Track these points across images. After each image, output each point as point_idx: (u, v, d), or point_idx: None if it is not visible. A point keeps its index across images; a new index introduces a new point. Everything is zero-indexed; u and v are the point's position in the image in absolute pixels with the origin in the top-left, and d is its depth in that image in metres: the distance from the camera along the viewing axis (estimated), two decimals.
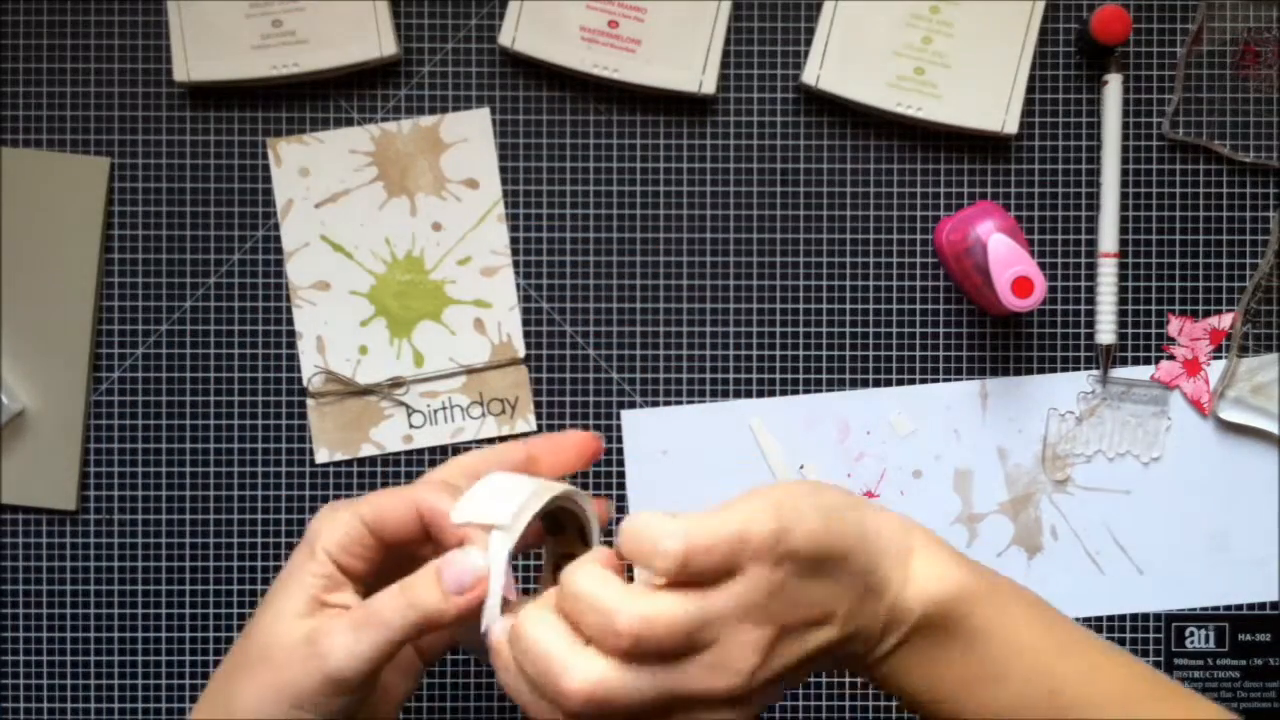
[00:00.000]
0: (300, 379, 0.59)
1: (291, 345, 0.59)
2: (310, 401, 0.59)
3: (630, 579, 0.39)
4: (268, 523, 0.59)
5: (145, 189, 0.59)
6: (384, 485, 0.60)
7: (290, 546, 0.59)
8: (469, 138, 0.59)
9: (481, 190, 0.59)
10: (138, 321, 0.59)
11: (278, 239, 0.59)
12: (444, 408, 0.59)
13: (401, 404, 0.59)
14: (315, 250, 0.59)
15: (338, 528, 0.43)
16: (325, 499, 0.59)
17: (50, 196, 0.58)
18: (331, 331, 0.59)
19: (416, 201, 0.59)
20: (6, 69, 0.59)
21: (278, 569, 0.59)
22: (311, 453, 0.59)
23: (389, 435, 0.59)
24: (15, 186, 0.58)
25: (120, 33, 0.59)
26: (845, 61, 0.58)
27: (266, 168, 0.59)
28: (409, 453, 0.59)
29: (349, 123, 0.59)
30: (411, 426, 0.59)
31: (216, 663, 0.59)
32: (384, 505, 0.43)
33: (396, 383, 0.59)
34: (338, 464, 0.59)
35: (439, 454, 0.59)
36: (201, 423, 0.59)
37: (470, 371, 0.59)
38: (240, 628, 0.59)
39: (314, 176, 0.59)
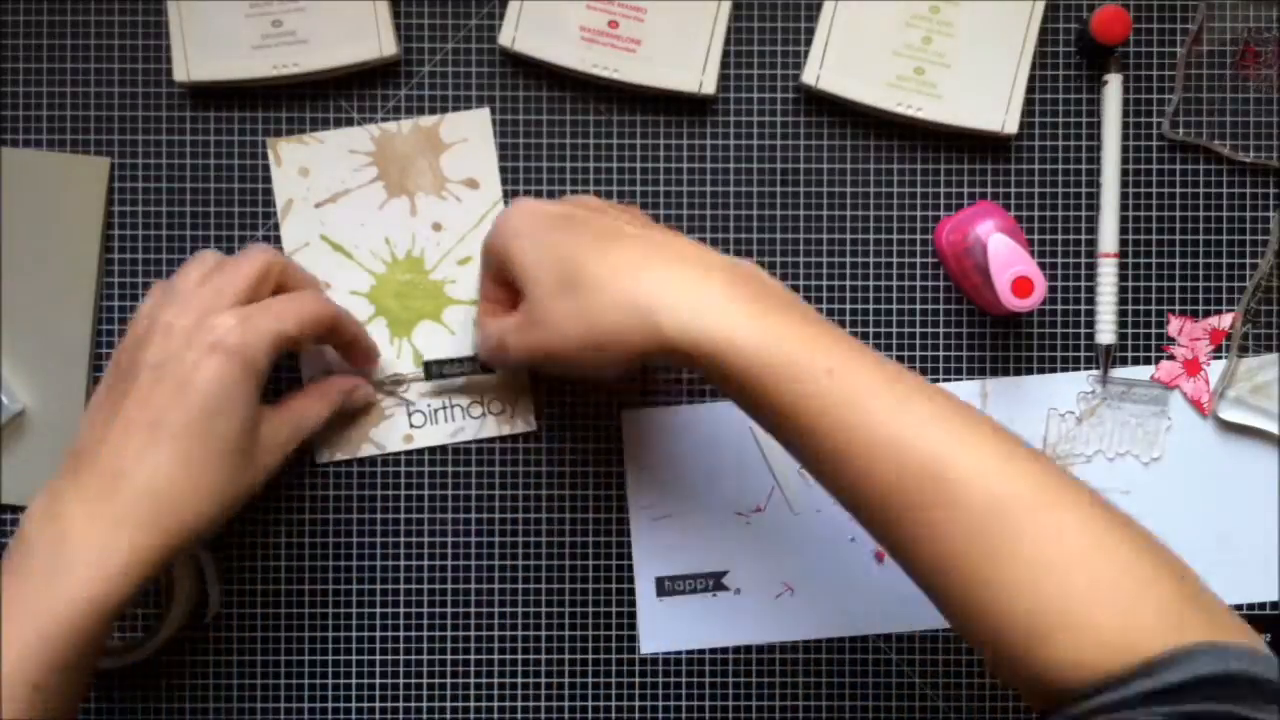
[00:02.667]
0: (301, 379, 0.59)
1: None
2: None
3: None
4: (267, 522, 0.59)
5: (145, 189, 0.59)
6: (385, 485, 0.60)
7: (291, 545, 0.60)
8: (469, 138, 0.59)
9: (482, 190, 0.59)
10: None
11: (278, 239, 0.59)
12: (444, 407, 0.59)
13: (402, 402, 0.59)
14: (315, 250, 0.59)
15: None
16: (325, 498, 0.59)
17: (50, 196, 0.58)
18: None
19: (416, 201, 0.59)
20: (6, 69, 0.59)
21: (276, 567, 0.59)
22: (312, 452, 0.59)
23: (389, 435, 0.59)
24: (15, 186, 0.58)
25: (120, 33, 0.59)
26: (845, 61, 0.58)
27: (266, 168, 0.59)
28: (409, 452, 0.59)
29: (349, 123, 0.59)
30: (412, 426, 0.59)
31: (215, 662, 0.59)
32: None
33: (398, 380, 0.59)
34: (338, 464, 0.59)
35: (439, 454, 0.59)
36: None
37: (470, 369, 0.59)
38: (237, 626, 0.59)
39: (314, 176, 0.59)
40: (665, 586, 0.60)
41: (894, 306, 0.60)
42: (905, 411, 0.44)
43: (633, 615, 0.60)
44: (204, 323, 0.48)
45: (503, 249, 0.50)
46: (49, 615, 0.45)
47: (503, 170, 0.59)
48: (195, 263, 0.52)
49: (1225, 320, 0.60)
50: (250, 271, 0.51)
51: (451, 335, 0.59)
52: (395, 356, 0.59)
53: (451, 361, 0.58)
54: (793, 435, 0.46)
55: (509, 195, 0.59)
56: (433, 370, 0.58)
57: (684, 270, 0.47)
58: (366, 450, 0.59)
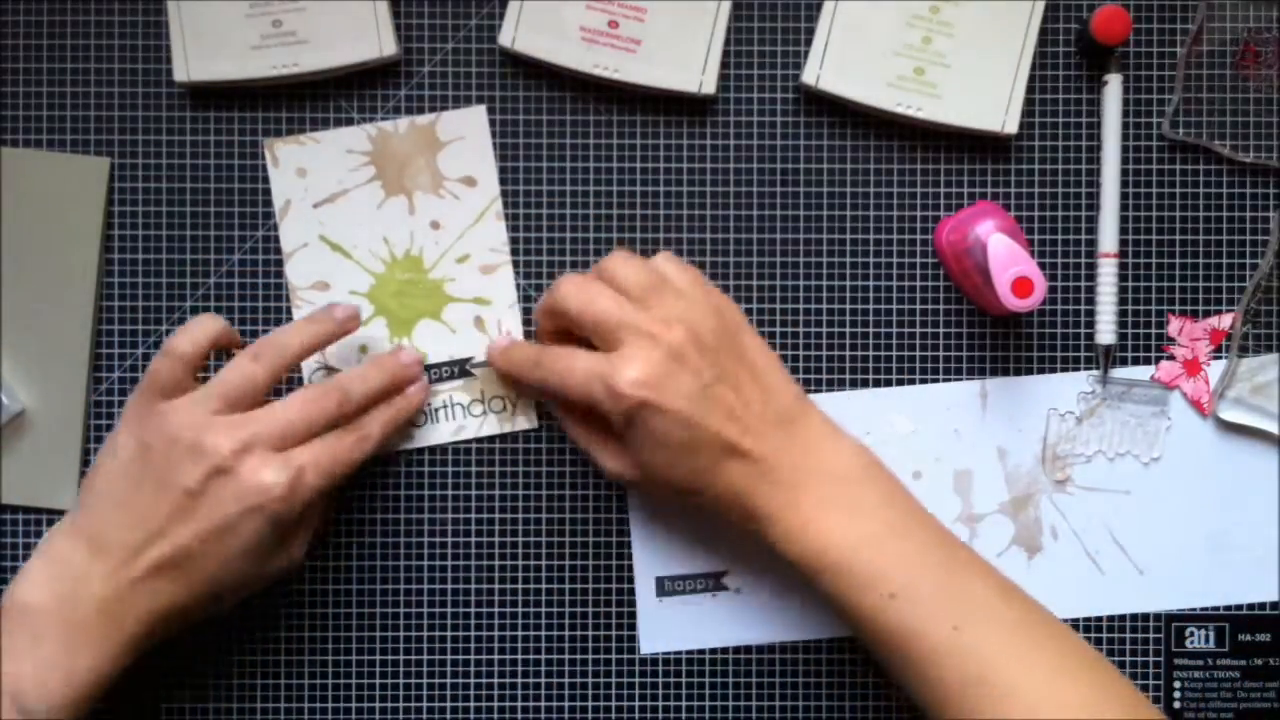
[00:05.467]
0: (300, 378, 0.59)
1: None
2: None
3: None
4: None
5: (145, 189, 0.59)
6: (384, 485, 0.60)
7: None
8: (465, 135, 0.59)
9: (479, 188, 0.59)
10: (138, 321, 0.59)
11: (278, 239, 0.59)
12: (445, 406, 0.59)
13: None
14: (314, 250, 0.59)
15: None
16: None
17: (50, 196, 0.58)
18: None
19: (414, 200, 0.59)
20: (6, 69, 0.59)
21: None
22: None
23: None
24: (15, 186, 0.58)
25: (120, 33, 0.59)
26: (845, 61, 0.58)
27: (266, 167, 0.59)
28: (409, 452, 0.59)
29: (349, 123, 0.59)
30: (413, 425, 0.59)
31: (215, 661, 0.59)
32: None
33: None
34: None
35: (439, 453, 0.59)
36: None
37: (471, 369, 0.59)
38: (237, 625, 0.59)
39: (311, 177, 0.59)
40: (665, 586, 0.60)
41: (894, 306, 0.60)
42: (962, 633, 0.48)
43: (633, 615, 0.60)
44: (249, 465, 0.50)
45: (632, 408, 0.50)
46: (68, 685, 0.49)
47: (503, 171, 0.59)
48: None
49: (1225, 320, 0.60)
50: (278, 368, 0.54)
51: (452, 334, 0.59)
52: None
53: (432, 367, 0.59)
54: (857, 632, 0.52)
55: (509, 195, 0.59)
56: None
57: (788, 487, 0.52)
58: None
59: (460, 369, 0.59)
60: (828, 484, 0.51)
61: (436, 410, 0.59)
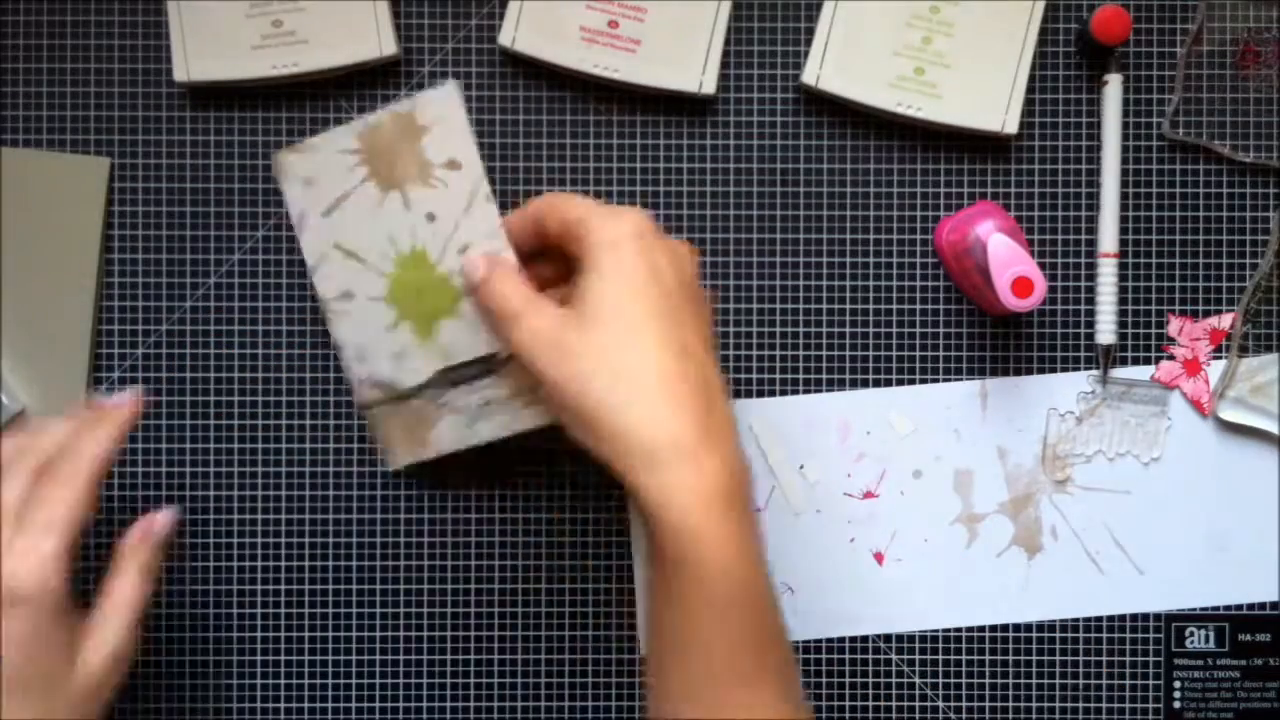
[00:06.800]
0: (299, 378, 0.59)
1: (292, 345, 0.59)
2: (374, 410, 0.56)
3: None
4: (267, 522, 0.59)
5: (145, 189, 0.59)
6: (383, 484, 0.60)
7: (291, 546, 0.60)
8: (443, 116, 0.57)
9: (464, 170, 0.57)
10: (138, 321, 0.59)
11: (278, 239, 0.59)
12: (486, 403, 0.57)
13: (443, 405, 0.56)
14: (333, 261, 0.57)
15: None
16: (325, 498, 0.59)
17: (50, 196, 0.58)
18: (367, 339, 0.56)
19: (408, 194, 0.58)
20: (6, 69, 0.59)
21: (277, 568, 0.59)
22: (308, 451, 0.59)
23: (445, 436, 0.56)
24: (15, 186, 0.58)
25: (120, 33, 0.59)
26: (845, 61, 0.58)
27: (267, 167, 0.59)
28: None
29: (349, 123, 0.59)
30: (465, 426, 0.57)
31: (215, 662, 0.59)
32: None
33: (447, 378, 0.56)
34: (337, 461, 0.59)
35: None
36: (201, 423, 0.59)
37: (500, 362, 0.57)
38: (238, 626, 0.59)
39: (316, 186, 0.58)
40: None
41: (894, 306, 0.60)
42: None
43: (633, 615, 0.60)
44: None
45: (626, 235, 0.47)
46: None
47: (503, 170, 0.59)
48: None
49: (1225, 320, 0.60)
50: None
51: (475, 329, 0.56)
52: (425, 358, 0.57)
53: (462, 366, 0.56)
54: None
55: (509, 195, 0.59)
56: (449, 377, 0.56)
57: (690, 461, 0.45)
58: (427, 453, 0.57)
59: (485, 369, 0.57)
60: (722, 476, 0.45)
61: (480, 406, 0.58)
